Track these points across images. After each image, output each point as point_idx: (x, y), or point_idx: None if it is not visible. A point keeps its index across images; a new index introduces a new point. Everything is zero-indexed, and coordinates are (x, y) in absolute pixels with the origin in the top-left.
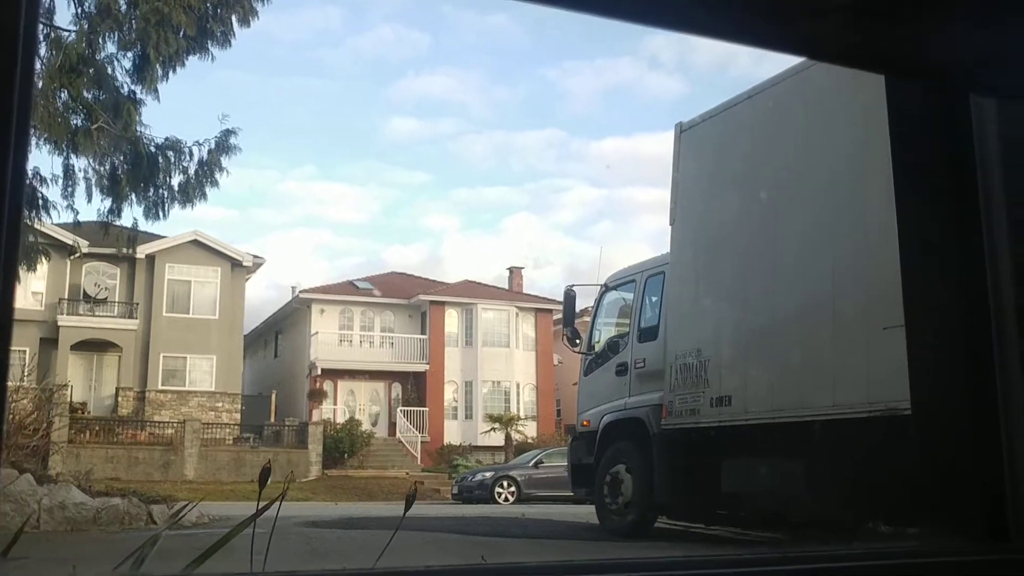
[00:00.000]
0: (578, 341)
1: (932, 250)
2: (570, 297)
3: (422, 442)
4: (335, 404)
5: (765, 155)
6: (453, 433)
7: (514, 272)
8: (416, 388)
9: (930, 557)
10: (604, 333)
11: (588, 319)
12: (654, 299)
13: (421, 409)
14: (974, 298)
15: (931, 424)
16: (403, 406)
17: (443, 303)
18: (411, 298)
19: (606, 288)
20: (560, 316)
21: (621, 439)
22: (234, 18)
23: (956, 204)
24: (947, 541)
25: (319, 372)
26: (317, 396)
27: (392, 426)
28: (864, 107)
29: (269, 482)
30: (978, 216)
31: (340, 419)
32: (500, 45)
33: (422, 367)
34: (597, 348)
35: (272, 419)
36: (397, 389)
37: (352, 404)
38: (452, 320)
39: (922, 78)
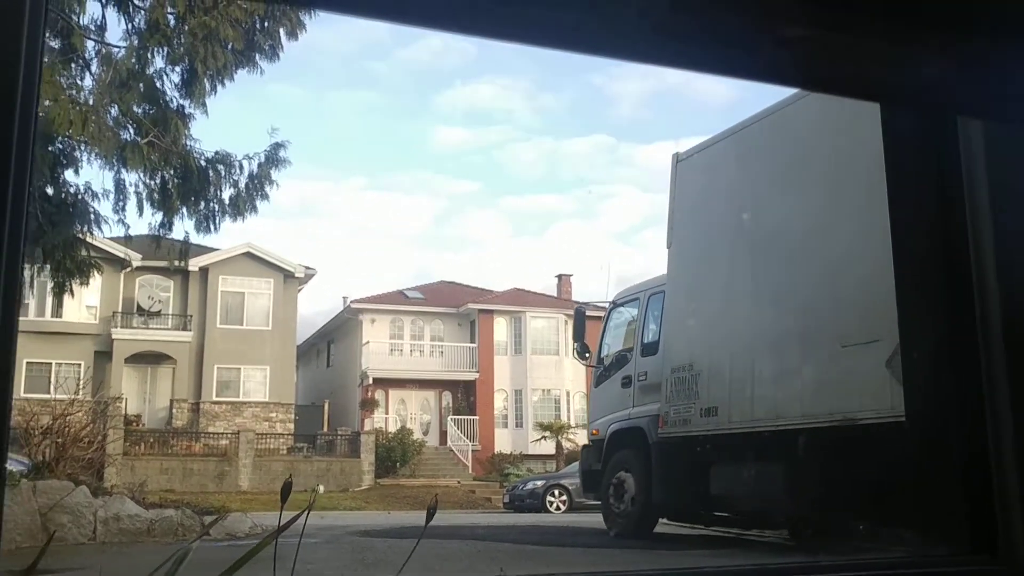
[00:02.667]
0: (587, 355)
1: (924, 270)
2: (580, 314)
3: (473, 451)
4: (386, 413)
5: (748, 186)
6: (504, 442)
7: (563, 279)
8: (466, 397)
9: (919, 568)
10: (612, 347)
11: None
12: (656, 315)
13: (471, 418)
14: (963, 315)
15: (923, 437)
16: (454, 415)
17: (492, 311)
18: (460, 307)
19: (614, 305)
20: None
21: (625, 447)
22: (282, 31)
23: (945, 223)
24: (935, 553)
25: (371, 381)
26: (369, 405)
27: (443, 435)
28: (839, 143)
29: (322, 491)
30: (966, 234)
31: (392, 428)
32: (546, 52)
33: (472, 376)
34: (606, 361)
35: (325, 428)
36: (447, 398)
37: (403, 413)
38: (501, 328)
39: (912, 104)
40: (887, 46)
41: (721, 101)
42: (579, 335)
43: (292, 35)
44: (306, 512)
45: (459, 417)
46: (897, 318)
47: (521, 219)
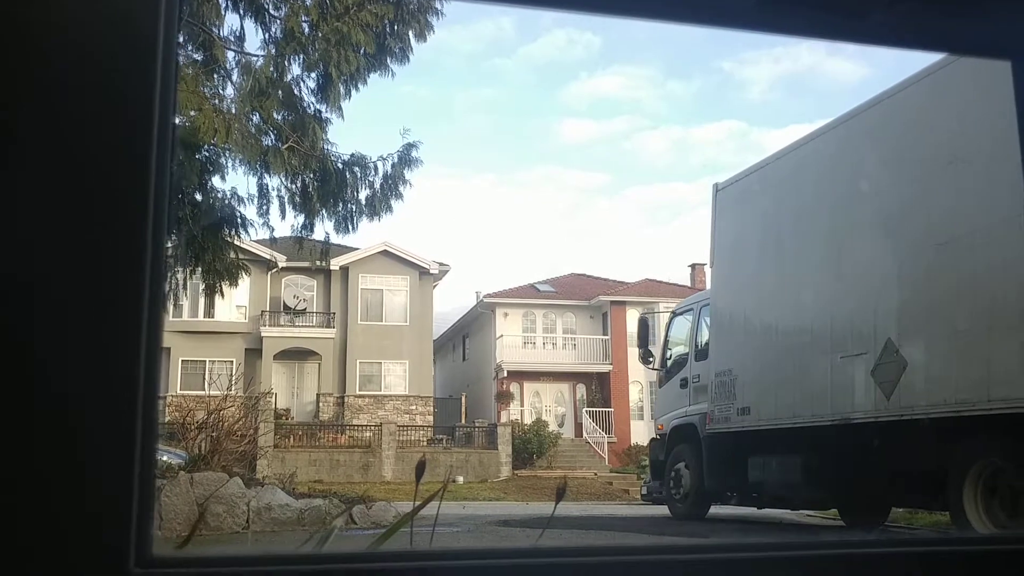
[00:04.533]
0: (651, 359)
1: None
2: (643, 322)
3: (609, 443)
4: (522, 405)
5: (776, 212)
6: (640, 433)
7: (696, 269)
8: (600, 389)
9: None
10: (674, 352)
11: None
12: (707, 325)
13: (606, 410)
14: None
15: None
16: (588, 407)
17: (624, 303)
18: (591, 299)
19: (674, 314)
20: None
21: (682, 440)
22: (411, 33)
23: None
24: None
25: (505, 374)
26: (504, 398)
27: (578, 427)
28: (861, 174)
29: (461, 481)
30: None
31: (527, 420)
32: (672, 39)
33: (605, 368)
34: (668, 364)
35: (463, 420)
36: (581, 390)
37: (538, 405)
38: (634, 320)
39: None
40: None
41: (852, 80)
42: (644, 342)
43: (420, 37)
44: (439, 496)
45: (594, 409)
46: None
47: (651, 209)
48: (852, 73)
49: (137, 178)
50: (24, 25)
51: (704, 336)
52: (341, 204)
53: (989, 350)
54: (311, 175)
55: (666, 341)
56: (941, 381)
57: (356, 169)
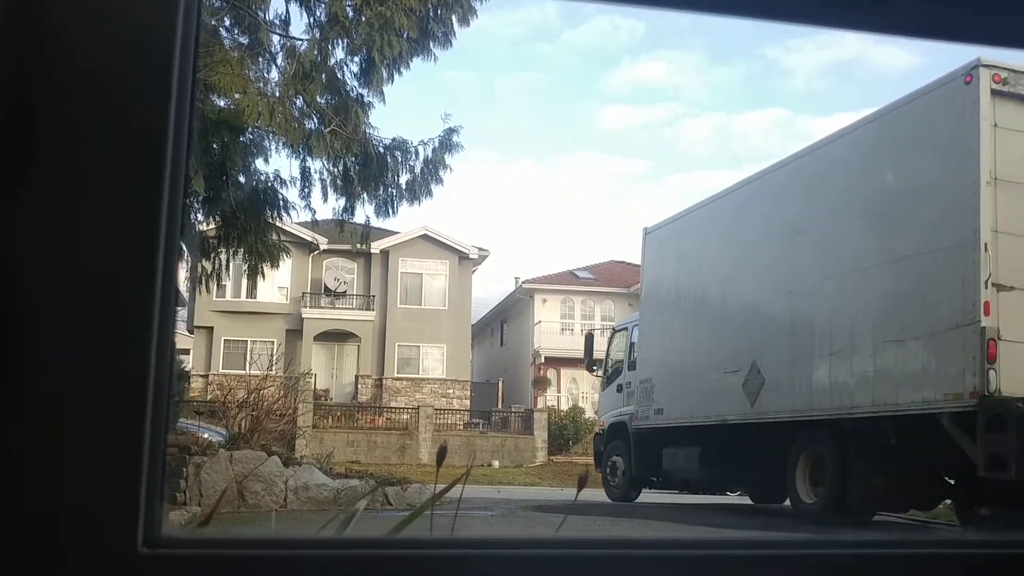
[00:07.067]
0: (595, 367)
1: None
2: (589, 337)
3: None
4: (558, 392)
5: (685, 256)
6: None
7: None
8: None
9: None
10: (613, 361)
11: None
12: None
13: None
14: None
15: None
16: None
17: None
18: (631, 286)
19: (614, 330)
20: None
21: (617, 435)
22: (454, 18)
23: None
24: None
25: (542, 360)
26: (541, 384)
27: None
28: (741, 234)
29: (497, 466)
30: None
31: (564, 406)
32: (716, 26)
33: None
34: (609, 372)
35: (499, 405)
36: None
37: (575, 392)
38: None
39: None
40: None
41: (900, 68)
42: (588, 353)
43: (464, 21)
44: (463, 480)
45: None
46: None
47: (692, 197)
48: (901, 61)
49: (152, 169)
50: (38, 18)
51: (635, 349)
52: (382, 188)
53: (810, 373)
54: (353, 159)
55: (608, 352)
56: (783, 394)
57: (397, 153)
